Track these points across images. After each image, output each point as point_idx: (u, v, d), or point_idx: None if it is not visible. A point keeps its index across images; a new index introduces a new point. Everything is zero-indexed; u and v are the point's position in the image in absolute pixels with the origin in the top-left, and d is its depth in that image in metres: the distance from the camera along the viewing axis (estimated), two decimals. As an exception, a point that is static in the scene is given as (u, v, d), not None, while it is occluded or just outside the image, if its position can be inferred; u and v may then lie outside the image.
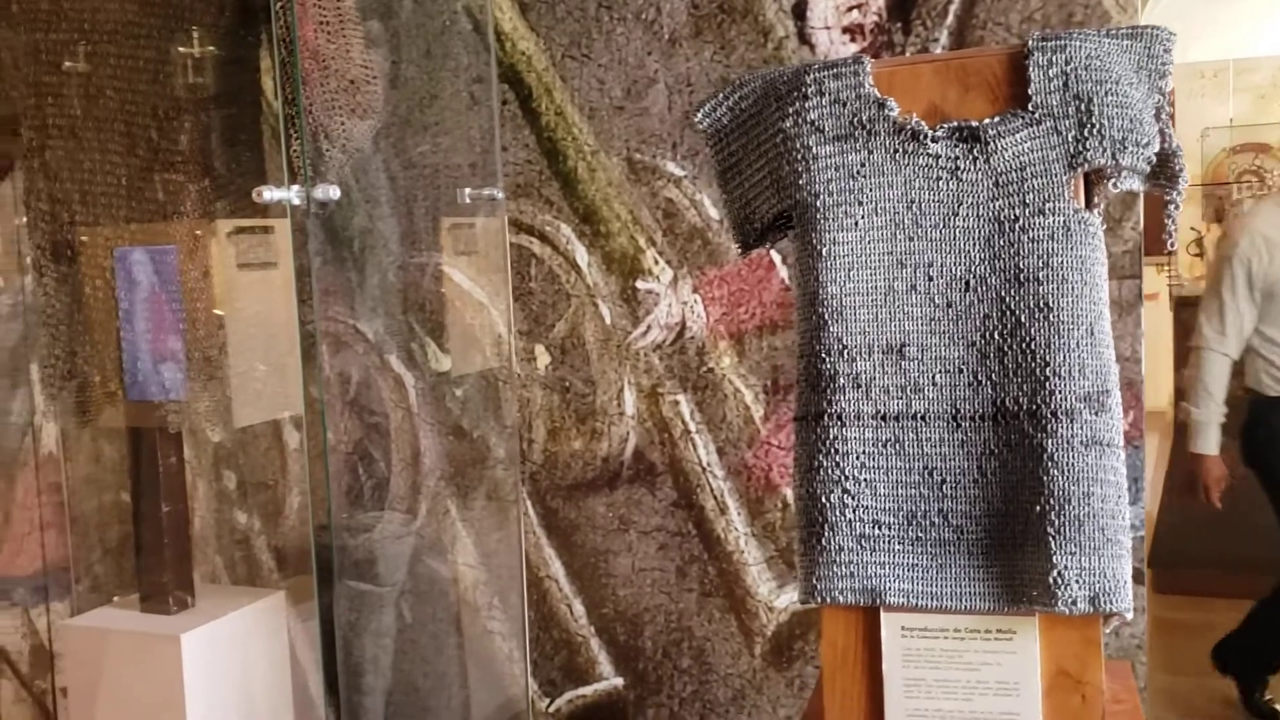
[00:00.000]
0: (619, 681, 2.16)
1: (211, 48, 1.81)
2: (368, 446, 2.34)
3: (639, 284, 2.09)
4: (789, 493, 1.98)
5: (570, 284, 2.13)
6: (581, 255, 2.12)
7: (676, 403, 2.08)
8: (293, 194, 1.50)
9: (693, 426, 2.07)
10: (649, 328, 2.09)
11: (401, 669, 2.35)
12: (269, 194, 1.49)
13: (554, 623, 2.20)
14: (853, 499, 1.01)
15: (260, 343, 2.15)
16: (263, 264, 2.20)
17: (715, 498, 2.06)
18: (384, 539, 2.38)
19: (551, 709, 2.22)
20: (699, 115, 1.13)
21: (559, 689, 2.21)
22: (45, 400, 2.59)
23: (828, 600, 1.03)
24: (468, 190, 1.89)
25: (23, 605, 2.67)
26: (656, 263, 2.07)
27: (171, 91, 1.79)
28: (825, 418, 1.02)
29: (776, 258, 1.97)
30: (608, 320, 2.12)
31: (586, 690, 2.19)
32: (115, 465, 2.57)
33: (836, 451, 1.01)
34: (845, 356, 1.01)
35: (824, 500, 1.02)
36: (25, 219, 2.16)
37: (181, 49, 1.83)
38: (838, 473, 1.01)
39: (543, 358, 2.17)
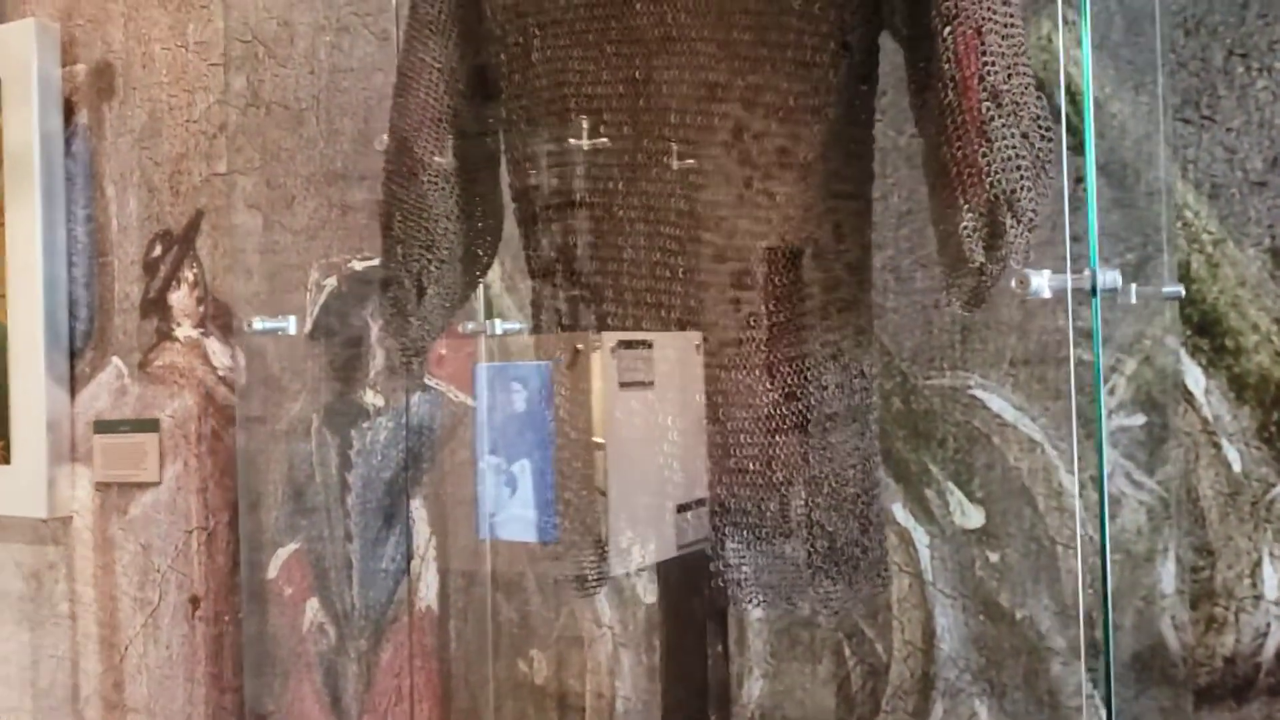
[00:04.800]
0: None
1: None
2: (858, 622, 1.81)
3: (1290, 419, 1.53)
4: None
5: (1178, 415, 1.59)
6: (1195, 378, 1.58)
7: (1353, 585, 1.50)
8: (1051, 280, 1.02)
9: (1381, 620, 1.48)
10: (1306, 479, 1.52)
11: None
12: (1036, 280, 1.00)
13: None
14: None
15: (641, 471, 1.70)
16: (642, 383, 1.75)
17: None
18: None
19: None
20: None
21: None
22: (428, 543, 2.17)
23: None
24: (1133, 287, 1.38)
25: (382, 792, 2.20)
26: (1319, 390, 1.52)
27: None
28: None
29: None
30: (1236, 467, 1.56)
31: None
32: (503, 620, 2.11)
33: None
34: None
35: None
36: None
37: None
38: None
39: (1131, 515, 1.63)
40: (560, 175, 1.38)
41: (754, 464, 1.30)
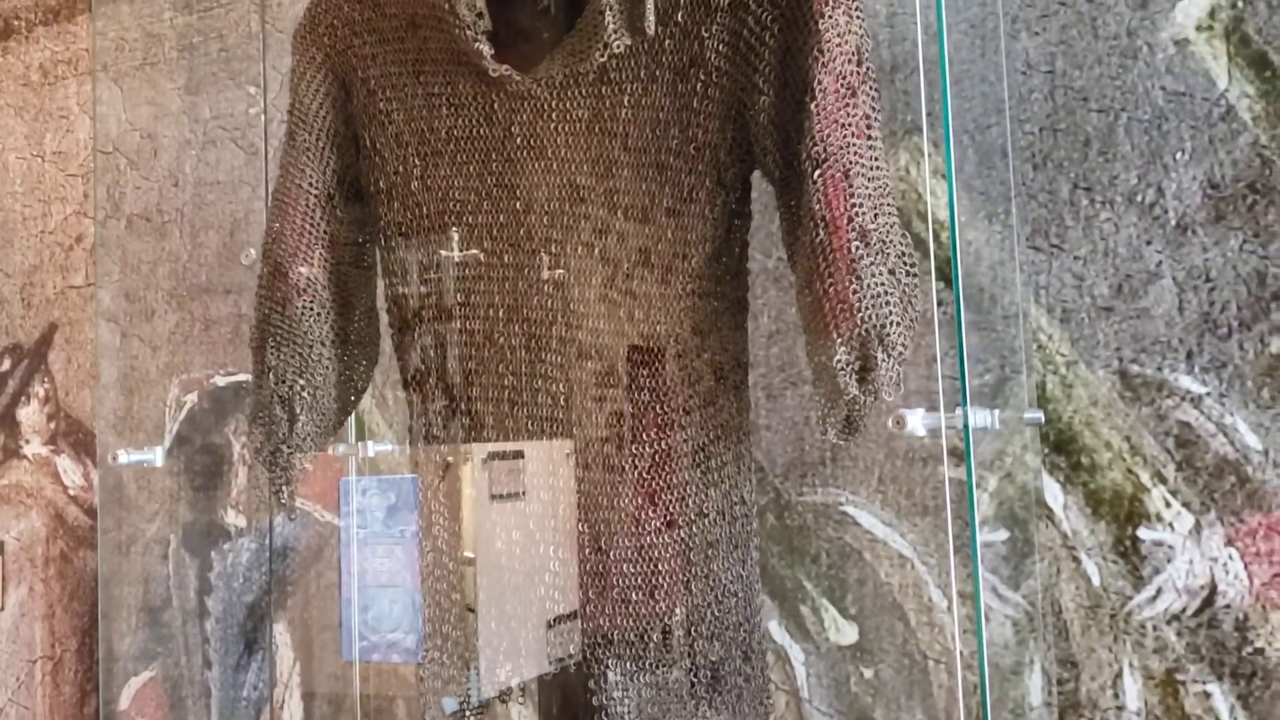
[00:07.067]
0: None
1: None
2: (735, 741, 1.80)
3: (1142, 533, 1.60)
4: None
5: (1039, 531, 1.65)
6: (1054, 494, 1.65)
7: (1206, 695, 1.56)
8: (925, 419, 1.05)
9: (1234, 728, 1.54)
10: (1159, 592, 1.59)
11: None
12: (911, 420, 1.03)
13: None
14: None
15: (511, 586, 1.69)
16: (513, 495, 1.75)
17: (1274, 829, 1.51)
18: None
19: None
20: None
21: None
22: (292, 669, 2.08)
23: None
24: (997, 413, 1.42)
25: None
26: (1168, 505, 1.59)
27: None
28: None
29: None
30: (1095, 581, 1.62)
31: None
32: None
33: None
34: None
35: None
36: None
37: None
38: None
39: (998, 629, 1.67)
40: (438, 289, 1.38)
41: (636, 594, 1.29)
